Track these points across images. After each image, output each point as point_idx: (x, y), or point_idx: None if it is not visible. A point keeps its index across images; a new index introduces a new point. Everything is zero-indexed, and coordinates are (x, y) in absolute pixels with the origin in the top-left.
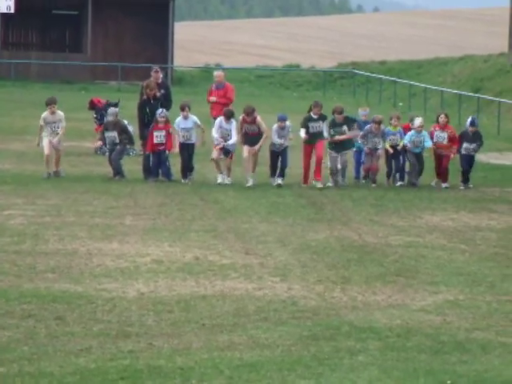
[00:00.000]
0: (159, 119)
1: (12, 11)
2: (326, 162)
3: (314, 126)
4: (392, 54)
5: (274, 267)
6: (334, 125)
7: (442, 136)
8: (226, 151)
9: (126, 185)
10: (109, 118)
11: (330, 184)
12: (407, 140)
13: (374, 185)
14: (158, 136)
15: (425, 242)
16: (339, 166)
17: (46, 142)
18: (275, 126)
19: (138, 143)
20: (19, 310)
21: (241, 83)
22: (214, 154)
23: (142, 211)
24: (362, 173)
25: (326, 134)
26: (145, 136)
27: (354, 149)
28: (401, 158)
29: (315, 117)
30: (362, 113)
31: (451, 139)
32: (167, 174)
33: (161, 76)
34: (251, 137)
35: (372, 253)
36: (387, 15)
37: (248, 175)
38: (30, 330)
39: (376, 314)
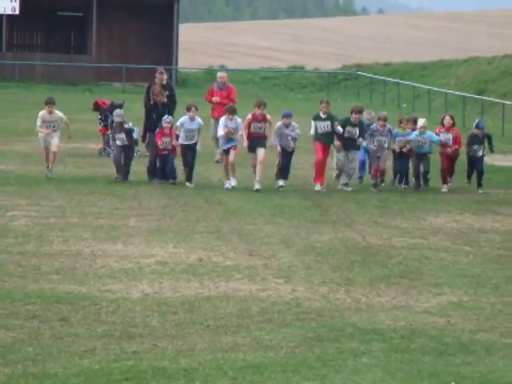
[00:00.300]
0: (165, 125)
1: (17, 12)
2: (332, 164)
3: (322, 126)
4: (396, 55)
5: (278, 269)
6: (348, 124)
7: (447, 137)
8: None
9: (130, 186)
10: (115, 120)
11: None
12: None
13: (380, 189)
14: (164, 142)
15: (429, 244)
16: (347, 165)
17: (41, 137)
18: (279, 123)
19: (142, 144)
20: (24, 310)
21: (245, 85)
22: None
23: (147, 212)
24: (369, 174)
25: (335, 141)
26: (149, 139)
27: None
28: (406, 161)
29: (323, 116)
30: (366, 116)
31: (456, 141)
32: (171, 174)
33: (165, 77)
34: (256, 138)
35: (376, 254)
36: (392, 17)
37: (256, 179)
38: (35, 331)
39: (380, 316)
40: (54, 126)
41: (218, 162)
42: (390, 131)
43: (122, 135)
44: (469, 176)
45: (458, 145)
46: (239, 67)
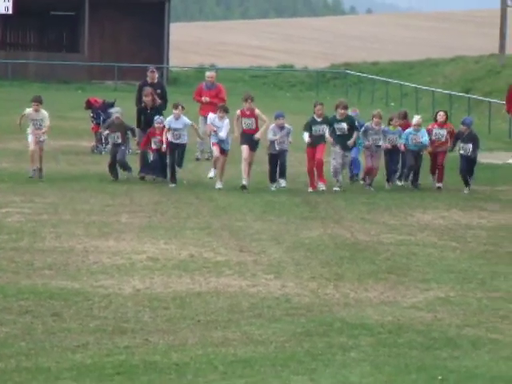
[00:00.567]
0: (156, 125)
1: (10, 12)
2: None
3: (317, 130)
4: (384, 55)
5: (268, 264)
6: (335, 121)
7: (441, 133)
8: (222, 149)
9: (122, 183)
10: (113, 117)
11: (336, 188)
12: (404, 139)
13: (371, 188)
14: (156, 142)
15: (416, 240)
16: (341, 164)
17: (30, 139)
18: (272, 125)
19: (133, 142)
20: (17, 306)
21: (235, 83)
22: (215, 152)
23: (138, 209)
24: (361, 175)
25: (326, 134)
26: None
27: (360, 146)
28: (398, 159)
29: (319, 120)
30: (351, 113)
31: (451, 135)
32: (163, 172)
33: (157, 76)
34: (248, 134)
35: (364, 250)
36: (380, 17)
37: (245, 176)
38: (28, 326)
39: (368, 311)
40: (40, 125)
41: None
42: (383, 130)
43: (118, 134)
44: (461, 172)
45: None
46: (229, 66)
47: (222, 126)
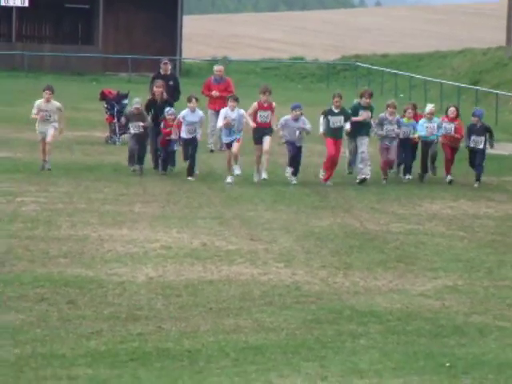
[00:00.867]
0: (168, 117)
1: (26, 5)
2: (345, 152)
3: (335, 121)
4: (393, 47)
5: (279, 253)
6: (360, 108)
7: (449, 127)
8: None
9: (135, 173)
10: (133, 108)
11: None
12: (420, 130)
13: (384, 181)
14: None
15: (424, 230)
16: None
17: (39, 129)
18: (288, 117)
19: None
20: (32, 293)
21: (247, 75)
22: (228, 152)
23: (151, 199)
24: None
25: (347, 126)
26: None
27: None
28: (410, 151)
29: (336, 111)
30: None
31: (457, 131)
32: (171, 160)
33: (170, 67)
34: (262, 128)
35: (373, 240)
36: (389, 9)
37: (256, 172)
38: (43, 313)
39: (377, 299)
40: (50, 116)
41: (211, 151)
42: (397, 120)
43: (139, 123)
44: (472, 165)
45: (459, 135)
46: (241, 58)
47: (236, 117)
